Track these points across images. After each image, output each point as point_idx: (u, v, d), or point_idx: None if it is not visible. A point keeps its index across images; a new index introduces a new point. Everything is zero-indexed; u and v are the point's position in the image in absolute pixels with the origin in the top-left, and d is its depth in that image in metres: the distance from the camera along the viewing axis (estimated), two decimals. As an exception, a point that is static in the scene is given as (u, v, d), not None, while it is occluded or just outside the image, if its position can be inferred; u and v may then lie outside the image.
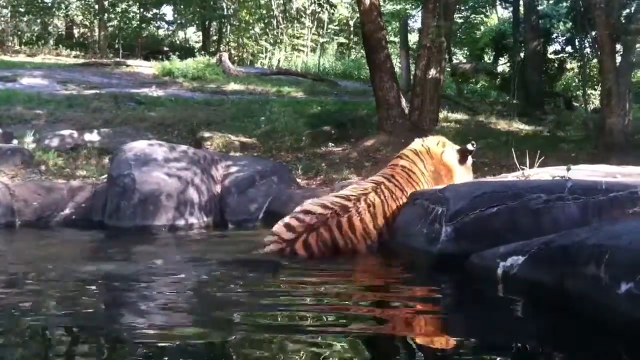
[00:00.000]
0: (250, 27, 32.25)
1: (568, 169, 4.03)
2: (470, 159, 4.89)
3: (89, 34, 32.87)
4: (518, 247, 2.92)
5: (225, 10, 30.53)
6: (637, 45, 13.29)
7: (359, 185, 4.53)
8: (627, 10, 12.80)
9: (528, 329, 2.35)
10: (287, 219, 4.36)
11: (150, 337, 2.18)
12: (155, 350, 2.04)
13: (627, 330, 2.00)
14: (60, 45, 28.31)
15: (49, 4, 30.81)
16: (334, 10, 27.08)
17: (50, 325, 2.35)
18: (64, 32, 32.89)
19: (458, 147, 4.88)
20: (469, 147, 4.81)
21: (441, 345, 2.12)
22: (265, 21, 31.56)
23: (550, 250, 2.60)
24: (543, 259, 2.63)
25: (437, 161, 4.70)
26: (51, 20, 31.72)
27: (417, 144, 4.81)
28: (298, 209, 4.46)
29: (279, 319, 2.37)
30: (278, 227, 4.30)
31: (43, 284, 3.22)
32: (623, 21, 12.06)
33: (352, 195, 4.35)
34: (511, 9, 21.05)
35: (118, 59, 24.65)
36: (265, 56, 30.49)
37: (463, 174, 4.81)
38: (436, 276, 3.40)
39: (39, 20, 30.56)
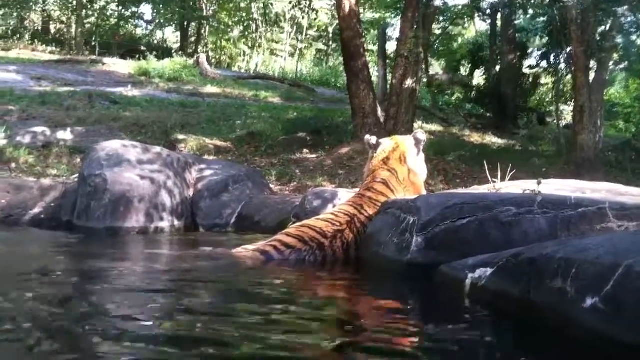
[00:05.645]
0: (229, 30, 32.23)
1: (538, 183, 4.07)
2: (421, 147, 4.98)
3: (65, 30, 32.56)
4: (487, 259, 2.93)
5: (205, 11, 30.45)
6: (610, 63, 13.55)
7: (335, 217, 4.53)
8: (602, 28, 13.01)
9: (492, 339, 2.36)
10: (265, 246, 4.34)
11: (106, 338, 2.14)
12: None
13: (591, 344, 2.02)
14: (36, 41, 28.05)
15: (26, -1, 30.47)
16: (316, 15, 27.16)
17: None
18: (40, 28, 32.57)
19: (412, 139, 4.95)
20: (420, 136, 4.93)
21: (404, 354, 2.12)
22: (245, 24, 31.56)
23: (519, 263, 2.61)
24: (511, 271, 2.65)
25: (406, 181, 4.77)
26: (28, 14, 31.40)
27: (383, 172, 4.78)
28: (278, 236, 4.45)
29: (241, 328, 2.34)
30: (253, 253, 4.28)
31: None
32: (598, 38, 12.28)
33: (329, 232, 4.38)
34: (489, 22, 21.32)
35: (94, 57, 24.47)
36: (243, 59, 30.51)
37: (422, 165, 4.98)
38: (405, 286, 3.41)
39: (15, 14, 30.19)
